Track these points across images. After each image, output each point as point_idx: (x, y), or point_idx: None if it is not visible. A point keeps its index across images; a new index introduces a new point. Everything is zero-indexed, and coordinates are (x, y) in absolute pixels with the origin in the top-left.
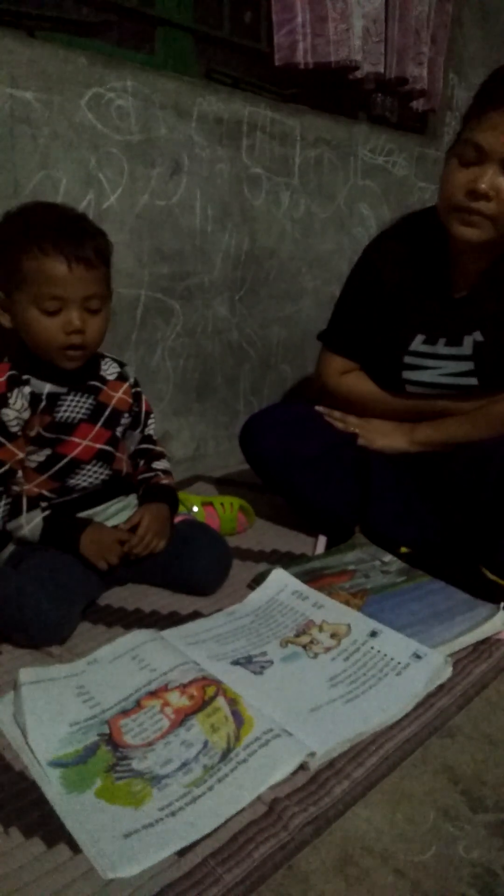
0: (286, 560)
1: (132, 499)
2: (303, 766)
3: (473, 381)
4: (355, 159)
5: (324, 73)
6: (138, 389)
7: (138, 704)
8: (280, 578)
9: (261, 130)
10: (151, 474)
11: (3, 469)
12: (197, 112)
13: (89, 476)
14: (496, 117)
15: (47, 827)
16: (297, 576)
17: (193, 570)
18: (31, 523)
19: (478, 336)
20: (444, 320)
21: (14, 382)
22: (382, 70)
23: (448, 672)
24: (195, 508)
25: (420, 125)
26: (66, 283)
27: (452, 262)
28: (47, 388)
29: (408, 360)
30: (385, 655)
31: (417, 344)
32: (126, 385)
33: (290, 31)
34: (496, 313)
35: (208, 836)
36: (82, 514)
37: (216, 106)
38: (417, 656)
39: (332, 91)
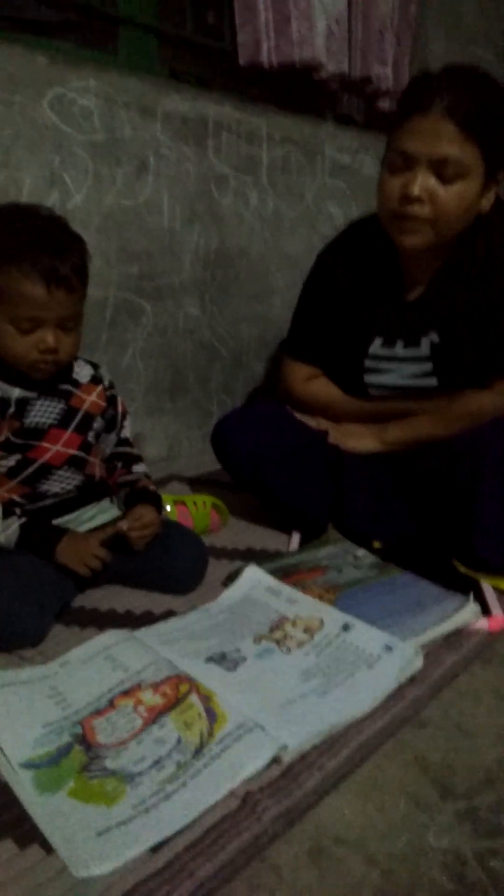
0: (260, 557)
1: (106, 503)
2: (276, 760)
3: (433, 381)
4: (322, 158)
5: (289, 73)
6: (113, 392)
7: (111, 704)
8: (253, 575)
9: (227, 130)
10: (134, 477)
11: None
12: (161, 112)
13: (61, 482)
14: (419, 122)
15: (20, 828)
16: (270, 572)
17: (171, 569)
18: (7, 530)
19: (434, 337)
20: (400, 322)
21: None
22: (347, 70)
23: (419, 663)
24: (168, 507)
25: (386, 124)
26: (43, 305)
27: (403, 265)
28: (16, 392)
29: (368, 363)
30: (357, 648)
31: (376, 347)
32: (100, 388)
33: (252, 30)
34: (450, 314)
35: (182, 831)
36: (57, 521)
37: (181, 105)
38: (389, 648)
39: (297, 90)
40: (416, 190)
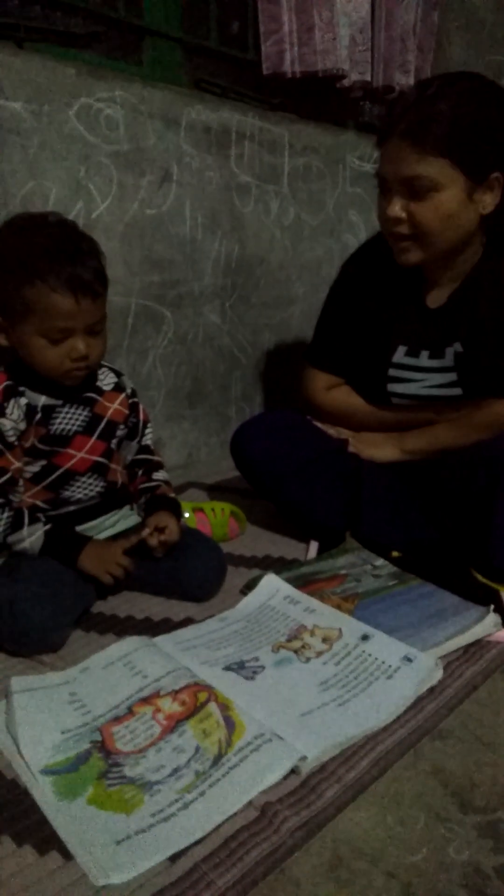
0: (278, 565)
1: (127, 510)
2: (294, 771)
3: (458, 391)
4: (343, 167)
5: (311, 82)
6: (135, 400)
7: (130, 711)
8: (272, 584)
9: (249, 139)
10: (154, 484)
11: (5, 477)
12: (185, 121)
13: (84, 488)
14: (386, 146)
15: (39, 834)
16: (288, 581)
17: (189, 576)
18: (32, 536)
19: (458, 347)
20: (424, 332)
21: (10, 393)
22: (369, 78)
23: (439, 675)
24: (186, 514)
25: None
26: (73, 315)
27: (426, 274)
28: (42, 400)
29: (392, 372)
30: (376, 659)
31: (400, 356)
32: (122, 396)
33: (277, 40)
34: (473, 323)
35: (200, 841)
36: (80, 528)
37: (205, 115)
38: (408, 659)
39: (319, 99)
40: (392, 211)
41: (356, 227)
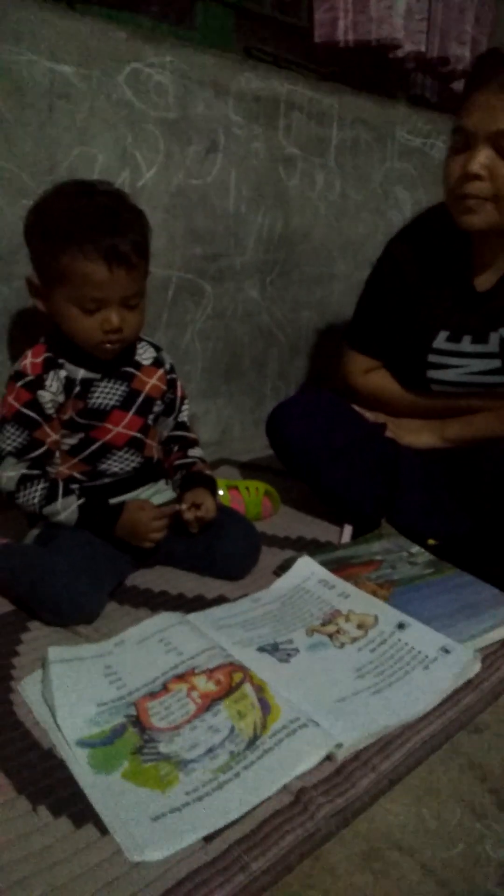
0: (311, 547)
1: (162, 485)
2: (329, 757)
3: (502, 378)
4: (392, 141)
5: (364, 52)
6: (173, 376)
7: (165, 687)
8: (306, 566)
9: (298, 110)
10: (190, 461)
11: (41, 450)
12: (235, 90)
13: (120, 462)
14: (478, 97)
15: (75, 807)
16: (323, 564)
17: (224, 555)
18: (66, 509)
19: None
20: (468, 317)
21: (50, 365)
22: (424, 49)
23: (477, 667)
24: (220, 492)
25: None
26: (106, 286)
27: (475, 255)
28: (81, 373)
29: (432, 358)
30: (413, 648)
31: (441, 341)
32: (161, 371)
33: (330, 7)
34: None
35: (234, 823)
36: (114, 500)
37: (254, 84)
38: (446, 650)
39: (371, 70)
40: (474, 167)
41: (402, 204)
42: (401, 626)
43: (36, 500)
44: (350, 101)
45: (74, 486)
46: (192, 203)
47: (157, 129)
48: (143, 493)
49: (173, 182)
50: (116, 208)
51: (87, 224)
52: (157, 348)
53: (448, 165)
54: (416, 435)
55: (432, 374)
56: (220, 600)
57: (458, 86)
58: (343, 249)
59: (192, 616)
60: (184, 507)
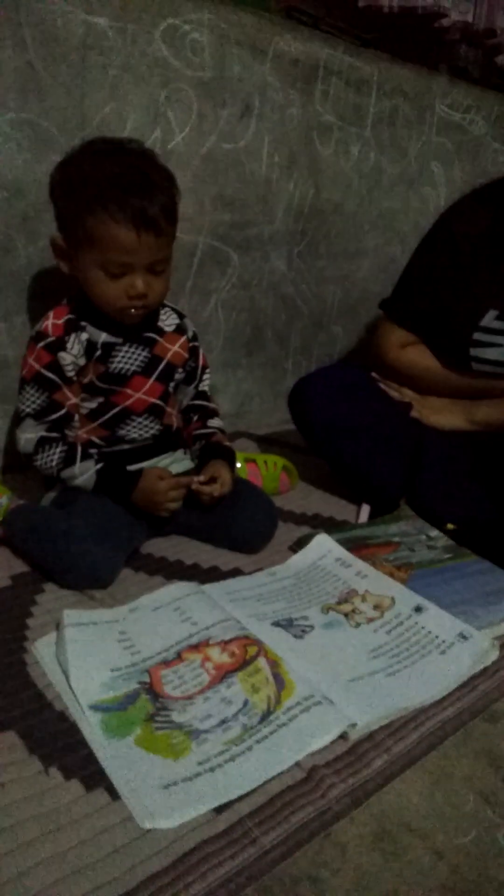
0: (328, 525)
1: (180, 454)
2: (342, 736)
3: None
4: (431, 114)
5: (407, 19)
6: (196, 344)
7: (179, 656)
8: (323, 543)
9: (336, 76)
10: (210, 431)
11: (60, 412)
12: (273, 52)
13: (140, 428)
14: None
15: (87, 770)
16: (340, 542)
17: (241, 527)
18: (84, 474)
19: None
20: None
21: (72, 327)
22: (471, 19)
23: (494, 655)
24: (238, 465)
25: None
26: (133, 250)
27: None
28: (103, 336)
29: (477, 336)
30: (429, 633)
31: (490, 320)
32: (183, 339)
33: None
34: None
35: (245, 796)
36: (132, 467)
37: (293, 46)
38: (463, 636)
39: (413, 39)
40: None
41: (437, 180)
42: (418, 609)
43: (54, 463)
44: (390, 69)
45: (93, 451)
46: (223, 168)
47: (191, 89)
48: (161, 461)
49: (205, 144)
50: (147, 169)
51: (116, 185)
52: (181, 315)
53: None
54: (443, 416)
55: (476, 352)
56: (235, 573)
57: (503, 60)
58: (374, 224)
59: (208, 587)
60: (201, 479)
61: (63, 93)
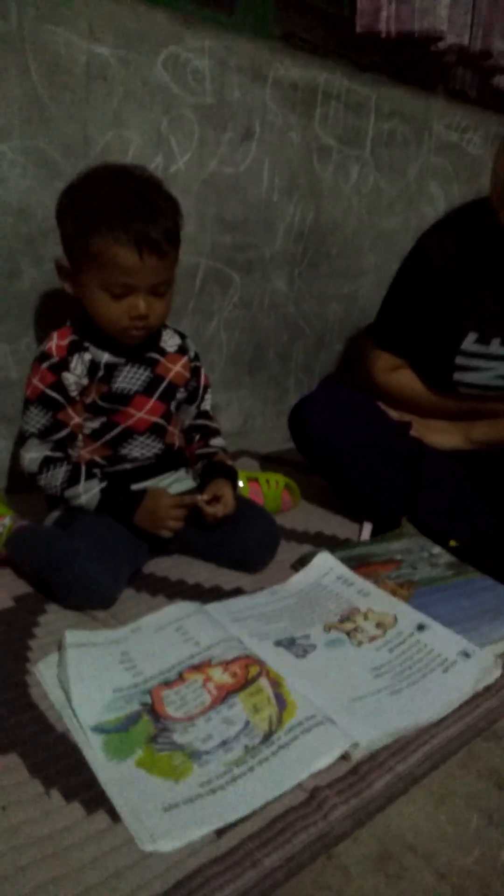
0: (330, 543)
1: (182, 473)
2: (344, 756)
3: None
4: (430, 135)
5: (404, 43)
6: (198, 364)
7: (181, 677)
8: (325, 562)
9: (335, 99)
10: (212, 451)
11: (64, 432)
12: (273, 77)
13: (142, 448)
14: None
15: (88, 792)
16: (342, 560)
17: (243, 546)
18: (88, 493)
19: None
20: (499, 319)
21: (75, 348)
22: (467, 42)
23: (497, 673)
24: (240, 483)
25: (500, 103)
26: (135, 272)
27: None
28: (105, 357)
29: (459, 360)
30: (432, 650)
31: (469, 343)
32: (185, 359)
33: None
34: None
35: (247, 818)
36: (135, 486)
37: (292, 71)
38: (466, 654)
39: (410, 62)
40: None
41: (436, 200)
42: (420, 627)
43: (58, 483)
44: (388, 92)
45: (96, 471)
46: (224, 190)
47: (193, 115)
48: (163, 480)
49: (206, 168)
50: (151, 195)
51: (121, 209)
52: (182, 336)
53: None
54: (442, 435)
55: (459, 376)
56: (237, 592)
57: (500, 81)
58: (374, 243)
59: (210, 606)
60: (204, 497)
61: (67, 120)
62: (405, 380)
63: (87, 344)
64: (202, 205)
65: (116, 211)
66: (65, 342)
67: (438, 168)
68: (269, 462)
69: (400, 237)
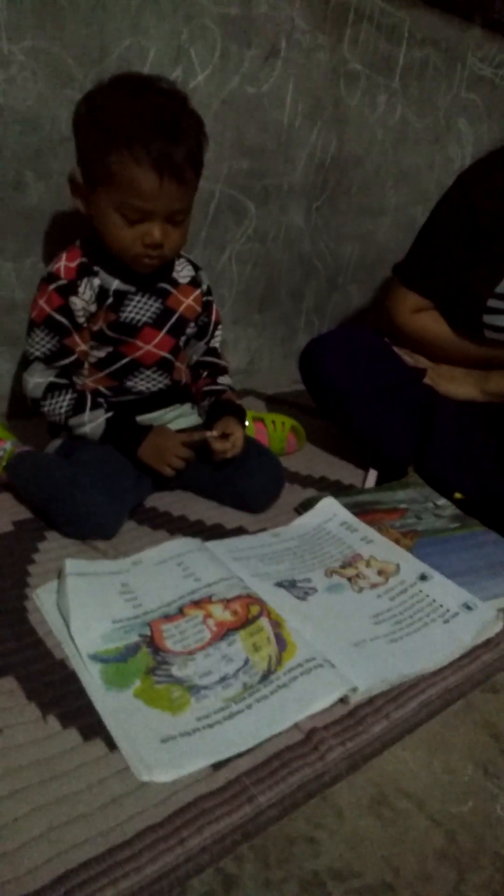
0: (334, 489)
1: (188, 408)
2: (342, 700)
3: None
4: (462, 67)
5: None
6: (210, 298)
7: (181, 612)
8: (329, 507)
9: (367, 20)
10: (220, 388)
11: (70, 358)
12: None
13: (147, 381)
14: None
15: (84, 720)
16: (346, 506)
17: (248, 486)
18: (93, 422)
19: None
20: None
21: (84, 271)
22: None
23: (498, 627)
24: (246, 423)
25: None
26: (154, 197)
27: None
28: (115, 283)
29: (492, 303)
30: (434, 601)
31: None
32: (198, 292)
33: None
34: None
35: (243, 754)
36: (139, 418)
37: None
38: (468, 607)
39: None
40: None
41: (464, 139)
42: (423, 577)
43: (63, 410)
44: (423, 17)
45: (101, 400)
46: (244, 112)
47: (216, 27)
48: (167, 413)
49: (227, 87)
50: (177, 112)
51: (144, 126)
52: (197, 267)
53: None
54: (457, 384)
55: (489, 319)
56: (239, 531)
57: None
58: (396, 181)
59: (211, 544)
60: (214, 433)
61: (82, 23)
62: (429, 322)
63: (96, 268)
64: (220, 126)
65: (138, 127)
66: (74, 264)
67: (469, 104)
68: (275, 403)
69: (424, 176)
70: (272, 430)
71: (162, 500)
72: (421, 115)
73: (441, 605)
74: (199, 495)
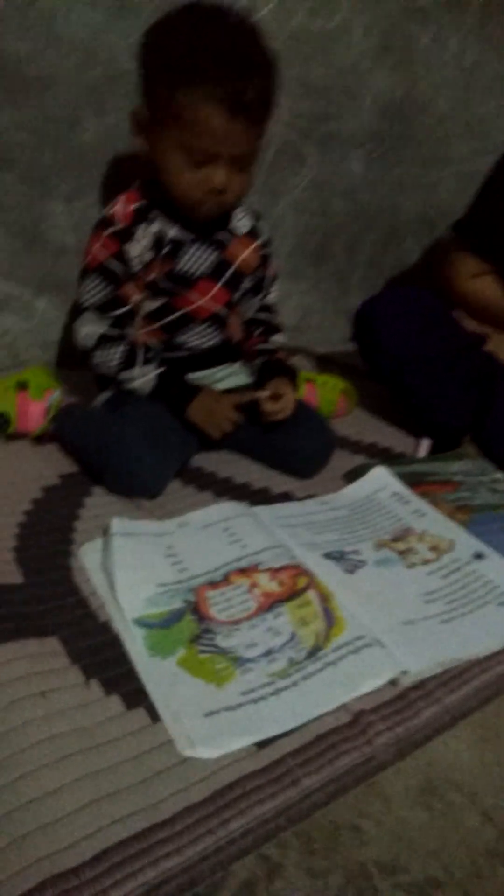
0: (384, 456)
1: (238, 367)
2: (392, 682)
3: None
4: None
5: None
6: (268, 251)
7: (226, 579)
8: (381, 477)
9: None
10: (272, 347)
11: (124, 309)
12: None
13: (200, 337)
14: None
15: (127, 687)
16: (397, 476)
17: (296, 450)
18: (143, 377)
19: None
20: None
21: (141, 216)
22: None
23: None
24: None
25: None
26: (221, 139)
27: None
28: (173, 231)
29: None
30: (489, 582)
31: None
32: (257, 244)
33: None
34: None
35: (288, 733)
36: (189, 376)
37: None
38: None
39: None
40: None
41: None
42: (479, 556)
43: (114, 363)
44: None
45: (152, 354)
46: (309, 50)
47: None
48: (218, 372)
49: (292, 22)
50: (250, 47)
51: (215, 60)
52: (257, 217)
53: None
54: None
55: None
56: (285, 497)
57: None
58: (465, 130)
59: (258, 509)
60: (266, 394)
61: None
62: (489, 287)
63: (155, 213)
64: (284, 64)
65: (209, 63)
66: (131, 208)
67: None
68: (326, 363)
69: (495, 127)
70: (322, 391)
71: (208, 460)
72: (496, 59)
73: (497, 587)
74: (246, 456)
